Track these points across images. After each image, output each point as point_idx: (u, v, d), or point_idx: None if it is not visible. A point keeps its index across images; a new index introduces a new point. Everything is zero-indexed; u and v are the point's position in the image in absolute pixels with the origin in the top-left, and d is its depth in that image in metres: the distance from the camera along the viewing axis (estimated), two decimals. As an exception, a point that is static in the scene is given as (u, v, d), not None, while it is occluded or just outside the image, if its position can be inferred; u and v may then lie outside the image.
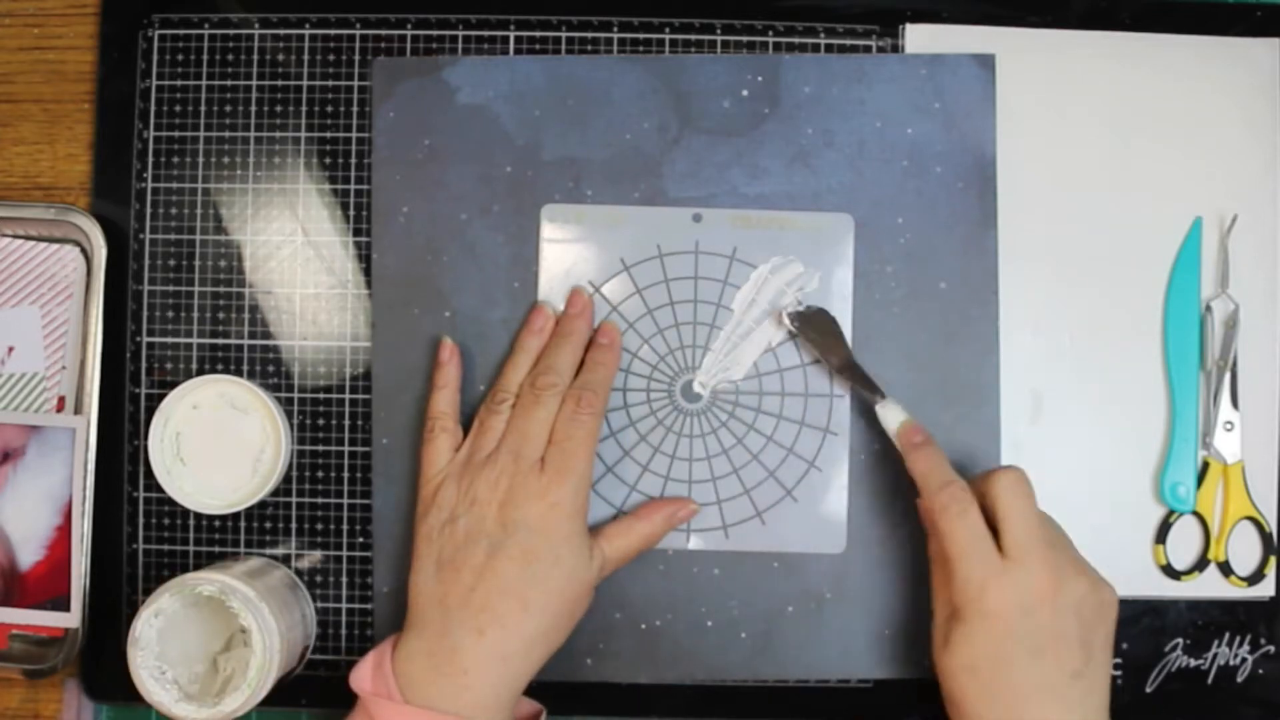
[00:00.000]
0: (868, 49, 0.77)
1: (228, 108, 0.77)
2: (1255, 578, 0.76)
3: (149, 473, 0.74)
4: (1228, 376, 0.75)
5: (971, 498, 0.67)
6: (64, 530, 0.74)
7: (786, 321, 0.74)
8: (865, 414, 0.75)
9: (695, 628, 0.75)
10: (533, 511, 0.68)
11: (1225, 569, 0.76)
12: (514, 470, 0.69)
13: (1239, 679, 0.76)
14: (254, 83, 0.77)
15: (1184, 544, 0.76)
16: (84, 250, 0.76)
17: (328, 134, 0.77)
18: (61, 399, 0.75)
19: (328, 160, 0.77)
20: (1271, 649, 0.76)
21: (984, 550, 0.66)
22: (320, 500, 0.76)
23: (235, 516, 0.76)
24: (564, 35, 0.77)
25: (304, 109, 0.77)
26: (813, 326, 0.74)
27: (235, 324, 0.76)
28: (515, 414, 0.71)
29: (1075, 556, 0.68)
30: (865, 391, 0.73)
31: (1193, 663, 0.76)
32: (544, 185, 0.76)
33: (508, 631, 0.67)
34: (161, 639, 0.69)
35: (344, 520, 0.76)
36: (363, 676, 0.68)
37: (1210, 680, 0.76)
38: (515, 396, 0.72)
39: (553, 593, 0.68)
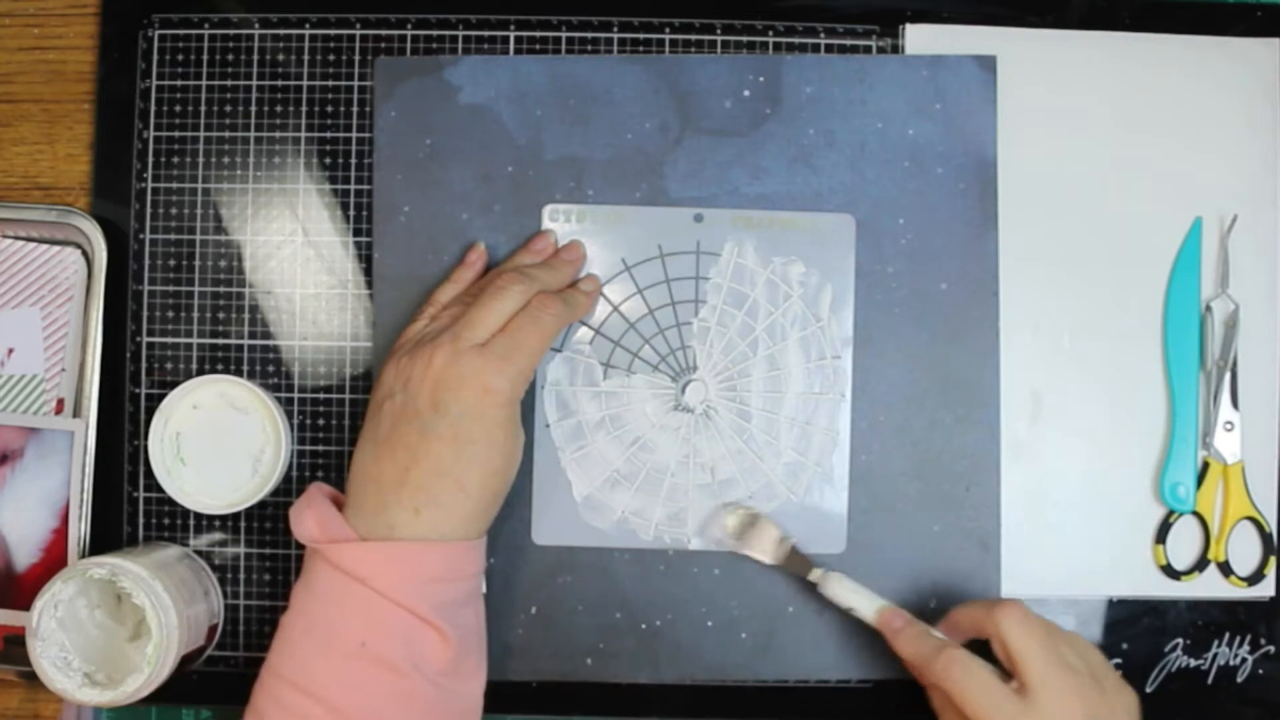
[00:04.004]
0: (868, 49, 0.77)
1: (228, 108, 0.77)
2: (1255, 578, 0.76)
3: (149, 473, 0.74)
4: (1228, 376, 0.75)
5: (968, 655, 0.66)
6: (60, 533, 0.74)
7: (727, 535, 0.74)
8: (865, 415, 0.75)
9: (695, 628, 0.75)
10: (465, 394, 0.66)
11: (1225, 569, 0.76)
12: (451, 350, 0.67)
13: (1239, 679, 0.76)
14: (254, 83, 0.77)
15: (1184, 544, 0.76)
16: (85, 253, 0.75)
17: (328, 134, 0.77)
18: (60, 401, 0.75)
19: (328, 160, 0.77)
20: (1271, 649, 0.76)
21: (1001, 698, 0.64)
22: (321, 501, 0.76)
23: (235, 516, 0.76)
24: (564, 35, 0.77)
25: (304, 109, 0.77)
26: (748, 525, 0.74)
27: (235, 324, 0.76)
28: (473, 303, 0.70)
29: (1093, 667, 0.66)
30: (801, 572, 0.73)
31: (1193, 663, 0.76)
32: (545, 185, 0.76)
33: (444, 511, 0.66)
34: (81, 630, 0.69)
35: (344, 521, 0.76)
36: (307, 527, 0.67)
37: (1210, 680, 0.76)
38: None
39: (491, 474, 0.67)
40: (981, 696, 0.65)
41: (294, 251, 0.77)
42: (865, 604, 0.71)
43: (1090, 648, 0.68)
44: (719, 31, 0.77)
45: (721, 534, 0.74)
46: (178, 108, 0.77)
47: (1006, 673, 0.66)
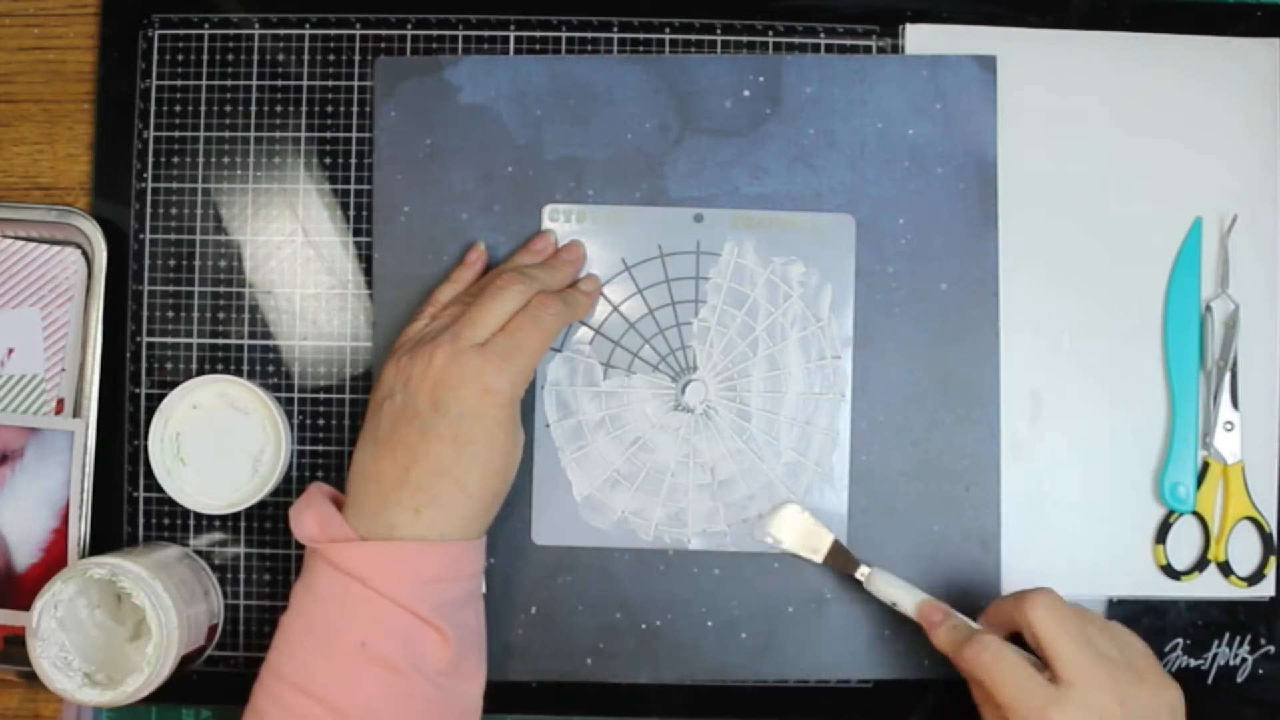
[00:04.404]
0: (868, 49, 0.77)
1: (228, 108, 0.77)
2: (1255, 578, 0.76)
3: (149, 473, 0.74)
4: (1228, 376, 0.75)
5: (1000, 642, 0.66)
6: (60, 533, 0.74)
7: (767, 535, 0.74)
8: (865, 415, 0.75)
9: (695, 628, 0.75)
10: (465, 394, 0.66)
11: (1225, 569, 0.76)
12: (451, 350, 0.67)
13: (1239, 679, 0.76)
14: (254, 83, 0.77)
15: (1184, 544, 0.76)
16: (85, 253, 0.75)
17: (328, 134, 0.77)
18: (61, 401, 0.75)
19: (328, 160, 0.77)
20: (1271, 649, 0.76)
21: (1035, 686, 0.64)
22: (320, 501, 0.76)
23: (235, 516, 0.76)
24: (564, 35, 0.77)
25: (304, 109, 0.77)
26: (788, 524, 0.74)
27: (235, 324, 0.76)
28: (473, 303, 0.70)
29: (1131, 658, 0.66)
30: (847, 568, 0.73)
31: (1193, 663, 0.76)
32: (545, 185, 0.76)
33: (444, 511, 0.66)
34: (81, 630, 0.69)
35: (344, 521, 0.76)
36: (306, 526, 0.67)
37: (1210, 680, 0.76)
38: None
39: (491, 474, 0.67)
40: (1011, 682, 0.64)
41: (294, 251, 0.77)
42: (907, 598, 0.71)
43: (1131, 638, 0.67)
44: (719, 31, 0.77)
45: (773, 537, 0.74)
46: (178, 108, 0.77)
47: (1043, 664, 0.65)
